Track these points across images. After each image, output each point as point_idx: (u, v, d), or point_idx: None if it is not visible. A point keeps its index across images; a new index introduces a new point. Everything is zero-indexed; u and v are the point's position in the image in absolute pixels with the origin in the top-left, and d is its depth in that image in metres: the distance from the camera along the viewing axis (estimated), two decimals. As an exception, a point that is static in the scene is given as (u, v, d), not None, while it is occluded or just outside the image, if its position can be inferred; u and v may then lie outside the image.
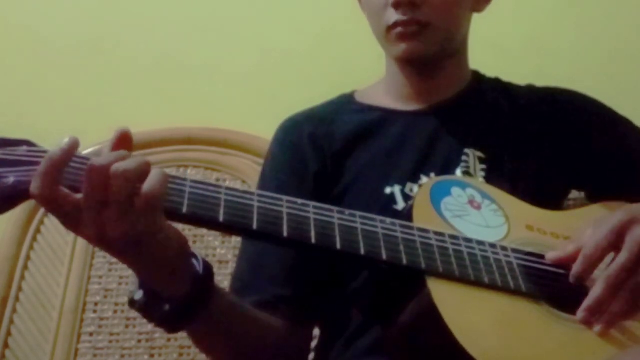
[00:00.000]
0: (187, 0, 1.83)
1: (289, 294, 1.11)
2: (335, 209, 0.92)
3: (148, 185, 0.79)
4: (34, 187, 0.77)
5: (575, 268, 0.95)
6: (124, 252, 0.84)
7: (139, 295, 0.88)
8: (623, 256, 0.93)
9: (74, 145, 0.78)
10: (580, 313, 0.93)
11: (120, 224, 0.78)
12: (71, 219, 0.80)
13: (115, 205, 0.78)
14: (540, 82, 1.31)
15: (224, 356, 1.07)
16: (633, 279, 0.93)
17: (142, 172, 0.79)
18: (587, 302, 0.93)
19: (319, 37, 1.77)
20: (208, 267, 0.92)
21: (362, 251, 0.90)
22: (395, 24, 1.14)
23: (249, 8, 1.82)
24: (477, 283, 0.93)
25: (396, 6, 1.13)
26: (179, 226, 0.88)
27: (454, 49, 1.22)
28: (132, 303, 0.89)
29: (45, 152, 0.81)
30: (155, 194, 0.79)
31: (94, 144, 1.33)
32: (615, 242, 0.94)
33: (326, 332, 1.16)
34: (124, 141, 0.83)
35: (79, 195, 0.78)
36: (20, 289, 1.49)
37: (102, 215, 0.78)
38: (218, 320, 0.97)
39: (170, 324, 0.91)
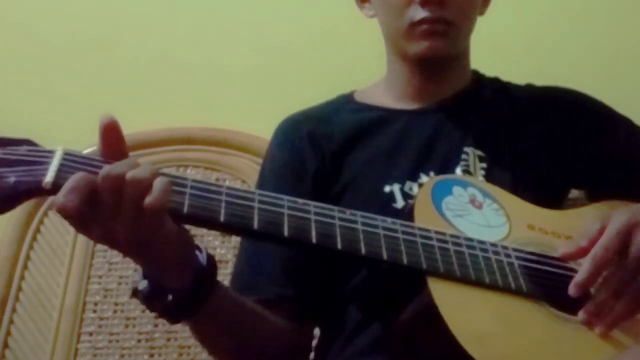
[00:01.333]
0: (187, 0, 1.83)
1: (290, 293, 1.11)
2: (336, 208, 0.92)
3: (152, 196, 0.79)
4: (63, 202, 0.77)
5: (581, 276, 0.94)
6: (129, 250, 0.85)
7: (143, 285, 0.89)
8: (627, 260, 0.93)
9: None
10: (582, 315, 0.93)
11: (128, 228, 0.79)
12: (81, 224, 0.80)
13: (126, 212, 0.78)
14: (540, 82, 1.31)
15: (226, 352, 1.07)
16: (635, 282, 0.93)
17: (154, 180, 0.80)
18: (589, 304, 0.94)
19: (319, 37, 1.77)
20: (212, 260, 0.92)
21: (363, 251, 0.90)
22: (423, 21, 1.14)
23: (249, 8, 1.82)
24: (478, 283, 0.93)
25: (424, 4, 1.13)
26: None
27: (463, 50, 1.23)
28: (136, 293, 0.90)
29: (46, 152, 0.81)
30: (160, 204, 0.79)
31: (94, 144, 1.32)
32: (620, 247, 0.94)
33: (326, 330, 1.16)
34: (112, 131, 0.83)
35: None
36: (20, 289, 1.49)
37: (111, 219, 0.79)
38: (220, 315, 0.97)
39: (172, 315, 0.91)
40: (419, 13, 1.14)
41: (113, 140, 0.83)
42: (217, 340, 1.04)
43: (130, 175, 0.78)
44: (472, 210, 1.03)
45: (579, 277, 0.94)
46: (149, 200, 0.78)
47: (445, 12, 1.14)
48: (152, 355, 1.46)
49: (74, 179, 0.77)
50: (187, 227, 0.90)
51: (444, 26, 1.14)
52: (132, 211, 0.79)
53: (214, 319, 0.97)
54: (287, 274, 1.12)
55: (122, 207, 0.78)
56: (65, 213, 0.77)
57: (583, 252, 0.96)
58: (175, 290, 0.88)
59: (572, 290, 0.94)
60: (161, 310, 0.90)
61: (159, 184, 0.79)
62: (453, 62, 1.22)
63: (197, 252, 0.91)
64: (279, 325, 1.09)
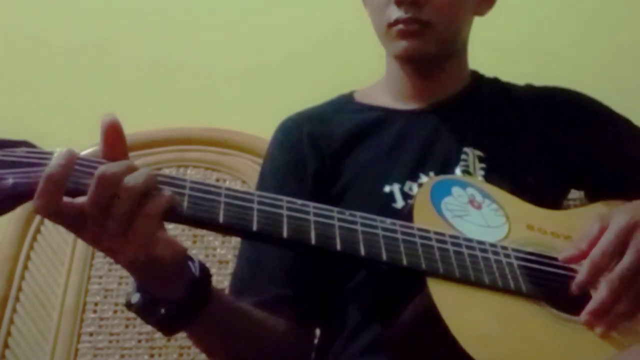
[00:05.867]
0: (187, 0, 1.83)
1: (290, 294, 1.11)
2: (335, 209, 0.92)
3: (153, 204, 0.79)
4: (38, 205, 0.77)
5: (582, 275, 0.95)
6: (122, 255, 0.85)
7: (135, 298, 0.89)
8: (627, 260, 0.93)
9: (71, 159, 0.78)
10: (584, 316, 0.93)
11: (119, 231, 0.79)
12: (73, 225, 0.80)
13: (119, 217, 0.78)
14: (540, 82, 1.31)
15: (225, 357, 1.07)
16: (636, 282, 0.93)
17: (151, 186, 0.80)
18: (591, 305, 0.93)
19: (319, 37, 1.77)
20: (204, 271, 0.92)
21: (362, 252, 0.89)
22: (397, 22, 1.14)
23: (249, 8, 1.82)
24: (478, 283, 0.93)
25: (399, 4, 1.13)
26: (179, 226, 0.88)
27: (454, 49, 1.22)
28: (129, 305, 0.90)
29: (44, 153, 0.81)
30: (158, 213, 0.80)
31: (93, 144, 1.32)
32: (620, 247, 0.94)
33: (326, 330, 1.16)
34: (114, 132, 0.83)
35: (81, 199, 0.79)
36: (20, 289, 1.49)
37: (104, 223, 0.79)
38: (217, 322, 0.97)
39: (166, 327, 0.91)
40: (395, 13, 1.14)
41: (114, 140, 0.83)
42: (214, 346, 1.04)
43: (126, 179, 0.78)
44: (471, 210, 1.03)
45: (578, 279, 0.95)
46: (150, 206, 0.79)
47: (419, 12, 1.13)
48: (152, 355, 1.46)
49: (41, 183, 0.77)
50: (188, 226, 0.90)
51: (419, 26, 1.14)
52: (126, 213, 0.78)
53: (211, 327, 0.97)
54: (287, 275, 1.12)
55: (115, 208, 0.78)
56: (43, 215, 0.77)
57: (583, 255, 0.97)
58: (168, 301, 0.88)
59: (573, 288, 0.95)
60: (155, 321, 0.90)
61: (159, 194, 0.80)
62: (445, 61, 1.22)
63: (190, 263, 0.91)
64: (279, 326, 1.09)
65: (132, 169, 0.80)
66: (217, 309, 0.95)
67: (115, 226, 0.79)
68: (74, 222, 0.79)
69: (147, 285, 0.89)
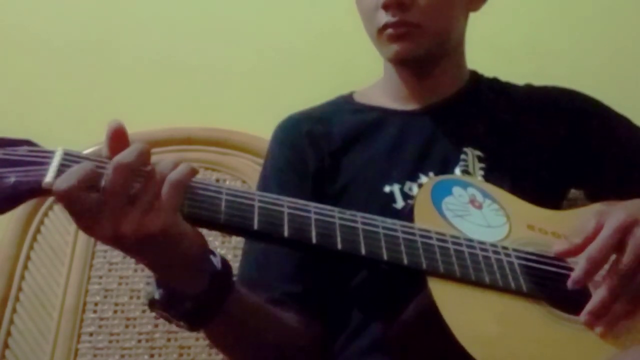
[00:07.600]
0: (187, 0, 1.83)
1: (299, 290, 1.11)
2: (336, 209, 0.92)
3: (176, 172, 0.80)
4: (62, 182, 0.77)
5: (578, 271, 0.94)
6: (141, 252, 0.85)
7: (158, 294, 0.88)
8: (626, 259, 0.93)
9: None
10: (584, 316, 0.93)
11: (141, 222, 0.79)
12: (86, 219, 0.79)
13: (140, 203, 0.79)
14: (540, 82, 1.31)
15: (241, 351, 1.06)
16: (635, 280, 0.93)
17: (170, 167, 0.81)
18: (590, 305, 0.93)
19: (319, 37, 1.77)
20: (226, 264, 0.92)
21: (363, 251, 0.90)
22: (385, 26, 1.14)
23: (249, 8, 1.82)
24: (478, 283, 0.93)
25: (386, 8, 1.14)
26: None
27: (448, 48, 1.22)
28: (153, 303, 0.89)
29: (46, 152, 0.81)
30: (183, 181, 0.81)
31: (94, 144, 1.33)
32: (617, 244, 0.94)
33: (328, 329, 1.16)
34: (119, 137, 0.83)
35: (95, 195, 0.78)
36: (20, 289, 1.49)
37: (122, 213, 0.78)
38: (236, 316, 0.97)
39: (192, 321, 0.91)
40: (383, 17, 1.14)
41: (120, 146, 0.83)
42: (232, 340, 1.03)
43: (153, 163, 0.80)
44: (471, 210, 1.03)
45: (575, 274, 0.94)
46: (173, 174, 0.80)
47: (407, 14, 1.13)
48: (152, 355, 1.46)
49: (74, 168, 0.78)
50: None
51: (407, 28, 1.14)
52: (148, 198, 0.79)
53: (230, 320, 0.96)
54: (295, 271, 1.12)
55: (138, 193, 0.79)
56: (67, 199, 0.77)
57: (577, 250, 0.96)
58: (193, 295, 0.88)
59: (569, 284, 0.94)
60: (179, 317, 0.89)
61: (184, 164, 0.81)
62: (440, 61, 1.22)
63: (211, 256, 0.91)
64: (290, 321, 1.09)
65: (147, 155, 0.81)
66: (237, 303, 0.95)
67: (135, 214, 0.79)
68: (87, 214, 0.79)
69: (169, 279, 0.88)
